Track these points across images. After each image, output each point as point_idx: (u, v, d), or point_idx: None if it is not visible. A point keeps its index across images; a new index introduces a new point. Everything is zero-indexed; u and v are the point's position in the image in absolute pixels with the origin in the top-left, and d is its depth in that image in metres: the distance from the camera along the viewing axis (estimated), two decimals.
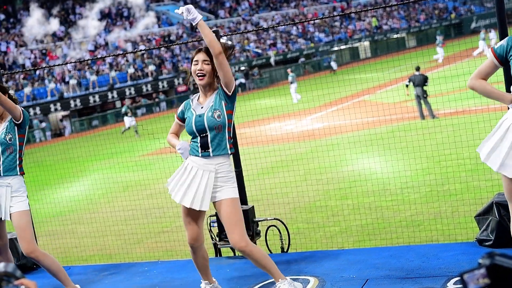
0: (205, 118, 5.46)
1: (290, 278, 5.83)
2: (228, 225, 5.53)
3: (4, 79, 6.77)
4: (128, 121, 32.63)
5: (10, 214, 6.39)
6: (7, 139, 6.34)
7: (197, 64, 5.52)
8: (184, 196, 5.59)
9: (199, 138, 5.51)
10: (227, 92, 5.46)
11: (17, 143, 6.41)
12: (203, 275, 6.02)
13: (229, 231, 5.54)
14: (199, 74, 5.50)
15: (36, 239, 6.81)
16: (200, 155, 5.52)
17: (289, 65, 52.19)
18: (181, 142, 5.66)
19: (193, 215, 5.72)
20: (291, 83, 35.23)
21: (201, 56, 5.52)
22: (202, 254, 5.89)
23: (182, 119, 5.73)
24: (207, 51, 5.51)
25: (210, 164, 5.50)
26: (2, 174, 6.38)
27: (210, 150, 5.48)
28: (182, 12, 5.33)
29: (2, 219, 6.48)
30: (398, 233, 9.04)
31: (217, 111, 5.46)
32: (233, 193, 5.56)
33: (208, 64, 5.49)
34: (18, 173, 6.43)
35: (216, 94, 5.54)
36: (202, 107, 5.54)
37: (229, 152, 5.54)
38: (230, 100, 5.51)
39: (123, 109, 34.99)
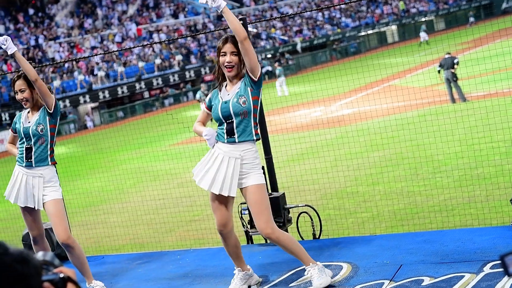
0: (231, 104, 5.48)
1: (322, 265, 5.78)
2: (254, 212, 5.57)
3: None
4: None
5: (44, 203, 6.46)
6: (39, 130, 6.39)
7: (225, 55, 5.50)
8: (212, 183, 5.59)
9: (225, 124, 5.53)
10: (253, 77, 5.46)
11: (49, 134, 6.45)
12: (236, 262, 5.99)
13: (255, 217, 5.57)
14: (227, 66, 5.50)
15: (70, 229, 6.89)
16: (226, 141, 5.53)
17: (316, 51, 51.82)
18: (208, 128, 5.69)
19: (221, 201, 5.71)
20: (279, 76, 36.45)
21: (229, 47, 5.50)
22: (232, 241, 5.87)
23: (210, 107, 5.73)
24: (233, 41, 5.50)
25: (236, 151, 5.51)
26: (34, 165, 6.44)
27: (236, 136, 5.50)
28: (207, 1, 5.31)
29: (36, 208, 6.54)
30: (431, 218, 8.94)
31: (243, 97, 5.47)
32: (259, 179, 5.56)
33: (236, 55, 5.49)
34: (50, 163, 6.50)
35: (242, 81, 5.54)
36: (228, 94, 5.55)
37: (255, 138, 5.55)
38: (256, 86, 5.51)
39: (197, 95, 34.59)
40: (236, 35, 5.33)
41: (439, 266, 5.71)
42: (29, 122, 6.50)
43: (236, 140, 5.50)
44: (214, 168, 5.58)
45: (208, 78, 51.64)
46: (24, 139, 6.48)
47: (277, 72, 37.46)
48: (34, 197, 6.50)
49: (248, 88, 5.49)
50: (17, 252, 2.00)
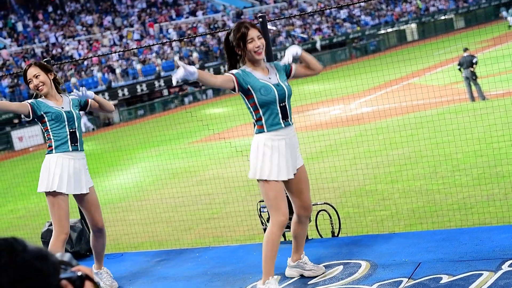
0: (285, 87, 5.60)
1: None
2: (306, 188, 5.86)
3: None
4: None
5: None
6: (81, 115, 6.46)
7: (253, 41, 5.49)
8: (287, 169, 5.57)
9: (277, 107, 5.53)
10: (291, 76, 5.80)
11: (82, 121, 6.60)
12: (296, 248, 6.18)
13: (306, 194, 5.87)
14: (257, 50, 5.50)
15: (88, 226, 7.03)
16: (283, 125, 5.55)
17: (336, 49, 51.71)
18: (192, 67, 5.18)
19: (296, 185, 5.83)
20: None
21: (255, 32, 5.52)
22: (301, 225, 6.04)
23: (241, 85, 5.47)
24: (256, 27, 5.62)
25: (291, 132, 5.65)
26: (79, 149, 6.48)
27: (289, 119, 5.62)
28: (288, 60, 5.63)
29: (84, 192, 6.51)
30: (449, 216, 8.91)
31: (286, 81, 5.69)
32: (302, 159, 5.84)
33: (261, 38, 5.55)
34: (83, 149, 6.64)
35: (282, 68, 5.73)
36: (270, 78, 5.59)
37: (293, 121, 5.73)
38: (288, 78, 5.79)
39: None
40: (315, 70, 5.84)
41: (457, 264, 5.71)
42: (62, 107, 6.44)
43: (291, 123, 5.62)
44: (281, 157, 5.53)
45: None
46: (67, 123, 6.39)
47: None
48: (81, 182, 6.46)
49: (285, 76, 5.73)
50: (36, 249, 2.03)
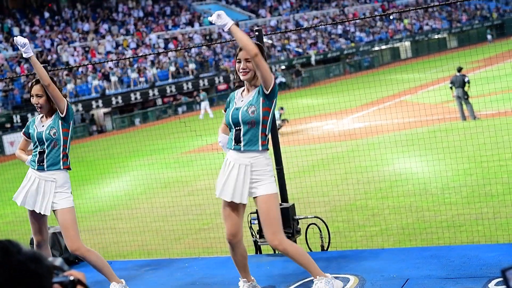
0: (240, 112, 5.56)
1: (332, 276, 5.82)
2: (262, 222, 5.59)
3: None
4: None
5: (55, 210, 6.46)
6: (51, 134, 6.44)
7: (240, 62, 5.59)
8: (223, 189, 5.64)
9: (234, 130, 5.61)
10: (265, 90, 5.49)
11: (61, 137, 6.47)
12: (242, 272, 6.03)
13: (263, 228, 5.59)
14: (241, 71, 5.59)
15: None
16: (232, 147, 5.60)
17: (330, 65, 51.74)
18: (222, 135, 5.79)
19: (233, 209, 5.73)
20: (202, 101, 40.99)
21: (243, 54, 5.58)
22: (240, 251, 5.89)
23: (226, 110, 5.84)
24: None
25: (244, 158, 5.55)
26: (46, 169, 6.47)
27: (242, 144, 5.55)
28: (214, 20, 5.41)
29: (42, 213, 6.52)
30: (439, 233, 8.97)
31: (253, 106, 5.53)
32: (270, 189, 5.55)
33: (249, 61, 5.54)
34: (62, 167, 6.49)
35: (256, 90, 5.60)
36: (242, 101, 5.64)
37: (261, 148, 5.54)
38: (268, 98, 5.53)
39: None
40: (246, 52, 5.38)
41: (445, 281, 5.75)
42: (42, 126, 6.53)
43: (242, 148, 5.54)
44: (225, 175, 5.63)
45: (222, 87, 51.79)
46: (38, 144, 6.50)
47: (201, 96, 41.58)
48: (42, 202, 6.48)
49: (261, 99, 5.53)
50: (30, 252, 2.07)
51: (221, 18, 5.36)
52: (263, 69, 5.36)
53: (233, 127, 5.60)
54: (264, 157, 5.59)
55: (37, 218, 6.70)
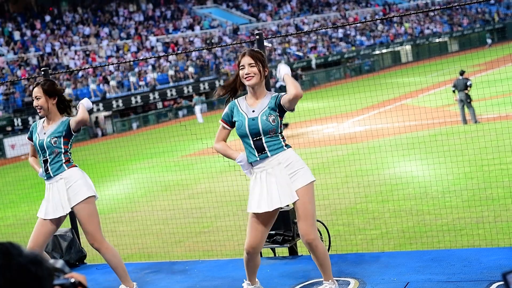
0: (260, 121, 5.48)
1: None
2: (300, 214, 5.48)
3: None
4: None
5: (72, 207, 6.47)
6: (52, 142, 6.45)
7: (243, 69, 5.55)
8: (260, 203, 5.51)
9: (251, 142, 5.51)
10: (286, 109, 5.48)
11: (62, 146, 6.49)
12: (249, 276, 5.98)
13: (300, 220, 5.49)
14: (246, 76, 5.53)
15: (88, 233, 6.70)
16: (258, 158, 5.50)
17: (331, 68, 51.69)
18: (241, 154, 5.62)
19: (262, 222, 5.60)
20: (196, 105, 41.53)
21: (246, 60, 5.56)
22: (255, 262, 5.83)
23: (229, 123, 5.69)
24: (251, 55, 5.58)
25: (274, 161, 5.48)
26: (53, 176, 6.49)
27: (267, 151, 5.48)
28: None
29: (65, 214, 6.52)
30: (439, 237, 8.96)
31: (272, 115, 5.47)
32: (306, 178, 5.49)
33: (253, 66, 5.53)
34: (66, 169, 6.51)
35: (269, 99, 5.55)
36: (253, 111, 5.54)
37: (285, 148, 5.52)
38: (284, 111, 5.54)
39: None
40: (298, 98, 5.32)
41: (445, 285, 5.75)
42: (44, 133, 6.54)
43: (269, 154, 5.46)
44: (263, 187, 5.50)
45: None
46: (41, 152, 6.54)
47: (194, 100, 42.26)
48: (60, 204, 6.48)
49: (277, 109, 5.50)
50: (31, 254, 2.07)
51: (280, 66, 5.51)
52: (296, 102, 5.41)
53: (250, 138, 5.50)
54: (290, 150, 5.55)
55: (47, 226, 6.62)
